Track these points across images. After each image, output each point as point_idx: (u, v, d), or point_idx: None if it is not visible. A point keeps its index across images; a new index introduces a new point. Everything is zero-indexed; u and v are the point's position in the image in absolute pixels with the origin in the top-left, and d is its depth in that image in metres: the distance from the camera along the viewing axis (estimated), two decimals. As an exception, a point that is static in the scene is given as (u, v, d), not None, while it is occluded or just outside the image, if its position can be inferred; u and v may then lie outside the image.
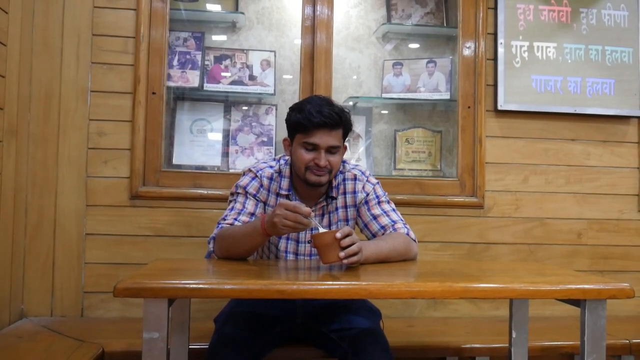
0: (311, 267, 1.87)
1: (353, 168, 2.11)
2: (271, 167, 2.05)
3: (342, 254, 1.62)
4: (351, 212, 2.07)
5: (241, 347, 1.80)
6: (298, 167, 1.94)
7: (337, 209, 2.06)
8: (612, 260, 2.91)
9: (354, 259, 1.66)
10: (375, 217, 2.03)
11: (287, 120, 1.98)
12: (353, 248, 1.65)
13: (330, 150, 1.91)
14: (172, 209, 2.62)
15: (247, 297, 1.42)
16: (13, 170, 2.46)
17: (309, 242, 2.01)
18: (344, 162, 2.10)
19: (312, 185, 1.94)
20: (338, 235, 1.62)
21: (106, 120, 2.61)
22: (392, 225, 2.01)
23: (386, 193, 2.11)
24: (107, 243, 2.58)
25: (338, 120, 1.89)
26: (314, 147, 1.90)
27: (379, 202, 2.06)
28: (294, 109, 1.95)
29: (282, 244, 2.02)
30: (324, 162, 1.89)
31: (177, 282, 1.42)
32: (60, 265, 2.55)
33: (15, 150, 2.47)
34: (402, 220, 2.05)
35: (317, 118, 1.86)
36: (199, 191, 2.64)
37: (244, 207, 1.98)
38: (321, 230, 1.68)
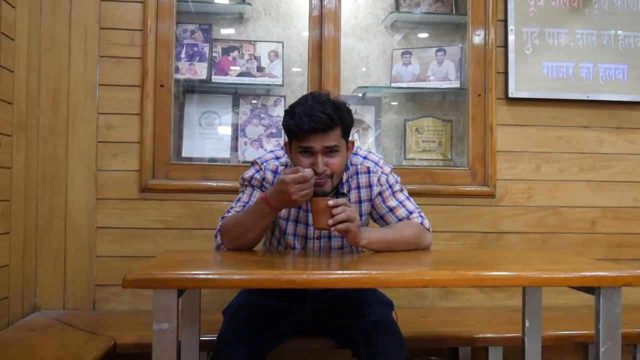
0: (321, 257, 1.86)
1: (365, 159, 2.02)
2: (277, 157, 2.01)
3: (330, 220, 1.70)
4: (365, 207, 2.01)
5: (250, 341, 1.79)
6: None
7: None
8: (627, 249, 2.87)
9: (342, 226, 1.71)
10: (391, 210, 1.99)
11: (282, 125, 1.90)
12: (342, 215, 1.70)
13: (328, 151, 1.82)
14: (182, 201, 2.62)
15: (256, 287, 1.41)
16: (23, 165, 2.47)
17: (317, 239, 1.99)
18: (354, 153, 2.04)
19: (316, 194, 1.86)
20: (330, 203, 1.71)
21: (115, 114, 2.61)
22: (408, 217, 1.98)
23: (399, 179, 2.06)
24: (117, 236, 2.59)
25: (330, 123, 1.78)
26: (310, 152, 1.82)
27: (393, 193, 2.01)
28: (287, 113, 1.85)
29: (290, 240, 2.00)
30: (321, 167, 1.81)
31: (186, 272, 1.42)
32: (72, 258, 2.56)
33: (25, 145, 2.48)
34: (417, 209, 2.01)
35: (306, 124, 1.76)
36: (209, 183, 2.64)
37: (250, 199, 1.96)
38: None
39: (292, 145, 1.88)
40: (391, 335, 1.80)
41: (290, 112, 1.84)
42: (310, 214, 1.93)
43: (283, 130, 1.94)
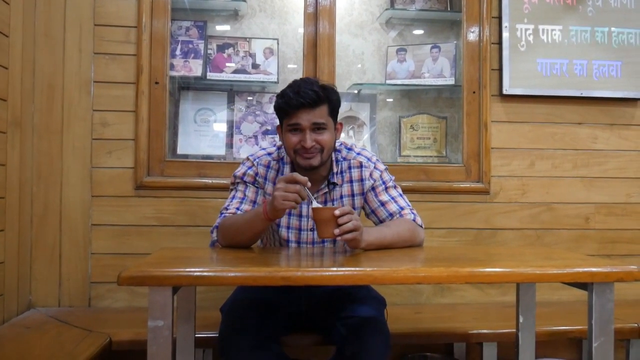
0: (316, 254, 1.86)
1: (358, 154, 2.07)
2: (269, 154, 2.04)
3: (336, 230, 1.66)
4: (358, 201, 2.04)
5: (251, 331, 1.80)
6: (288, 152, 1.94)
7: (341, 197, 2.03)
8: (620, 244, 2.89)
9: (349, 236, 1.68)
10: (383, 204, 2.02)
11: (274, 108, 1.98)
12: (348, 225, 1.67)
13: (316, 128, 1.88)
14: (177, 198, 2.62)
15: (251, 284, 1.42)
16: (18, 161, 2.46)
17: (310, 230, 2.00)
18: (348, 148, 2.08)
19: (305, 169, 1.91)
20: (336, 212, 1.67)
21: (110, 111, 2.61)
22: (400, 212, 1.99)
23: (393, 178, 2.09)
24: (113, 233, 2.59)
25: (316, 99, 1.86)
26: (298, 128, 1.88)
27: (386, 188, 2.04)
28: (278, 95, 1.94)
29: (284, 232, 2.01)
30: (309, 143, 1.86)
31: (181, 269, 1.42)
32: (67, 256, 2.56)
33: (19, 142, 2.47)
34: (409, 205, 2.03)
35: (294, 100, 1.85)
36: (204, 180, 2.64)
37: (245, 195, 1.98)
38: (314, 204, 1.74)
39: (282, 126, 1.94)
40: (378, 334, 1.81)
41: (280, 94, 1.93)
42: (303, 206, 1.98)
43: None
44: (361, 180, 2.03)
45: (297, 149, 1.89)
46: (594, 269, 1.51)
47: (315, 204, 1.75)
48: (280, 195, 1.69)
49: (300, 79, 1.96)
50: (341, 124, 2.02)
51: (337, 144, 2.08)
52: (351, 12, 3.07)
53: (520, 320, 1.94)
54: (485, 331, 2.30)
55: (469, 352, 2.58)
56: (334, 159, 2.03)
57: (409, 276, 1.46)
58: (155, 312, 1.38)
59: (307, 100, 1.85)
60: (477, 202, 2.81)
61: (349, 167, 2.04)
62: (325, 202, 2.02)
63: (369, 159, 2.06)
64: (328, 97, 1.90)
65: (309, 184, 1.72)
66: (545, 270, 1.51)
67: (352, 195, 2.04)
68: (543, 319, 2.23)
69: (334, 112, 1.94)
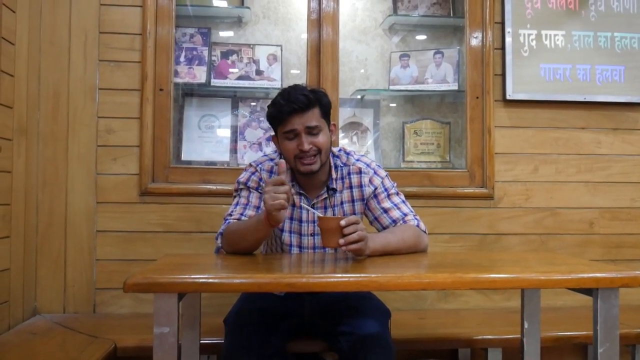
0: (320, 260, 1.87)
1: (358, 160, 2.08)
2: (272, 160, 2.06)
3: (341, 240, 1.66)
4: (358, 207, 2.05)
5: (256, 348, 1.80)
6: (288, 160, 1.96)
7: (342, 203, 2.03)
8: (625, 249, 2.88)
9: (353, 246, 1.68)
10: (385, 211, 2.02)
11: (266, 118, 2.01)
12: (353, 236, 1.67)
13: (310, 131, 1.91)
14: (182, 204, 2.63)
15: (256, 290, 1.42)
16: (23, 168, 2.47)
17: (311, 235, 2.01)
18: (347, 153, 2.09)
19: (306, 174, 1.94)
20: (342, 223, 1.67)
21: (114, 118, 2.62)
22: (403, 218, 2.00)
23: (395, 184, 2.10)
24: (117, 240, 2.60)
25: (307, 102, 1.89)
26: (294, 134, 1.91)
27: (388, 195, 2.04)
28: (269, 105, 1.97)
29: (286, 237, 2.02)
30: (307, 145, 1.89)
31: (187, 276, 1.42)
32: (72, 262, 2.57)
33: (25, 149, 2.49)
34: (412, 211, 2.04)
35: (286, 106, 1.89)
36: (208, 187, 2.65)
37: (248, 201, 1.98)
38: (305, 208, 1.78)
39: (278, 135, 1.97)
40: (381, 353, 1.78)
41: (271, 103, 1.96)
42: (303, 211, 1.99)
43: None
44: (360, 186, 2.04)
45: (297, 154, 1.92)
46: (599, 275, 1.51)
47: (311, 210, 1.75)
48: (270, 197, 1.68)
49: (289, 86, 1.98)
50: (335, 125, 2.05)
51: (336, 150, 2.10)
52: (354, 18, 3.08)
53: (525, 325, 1.94)
54: (489, 337, 2.29)
55: (474, 358, 2.57)
56: (332, 164, 2.04)
57: (414, 282, 1.46)
58: (161, 318, 1.39)
59: (299, 104, 1.88)
60: (481, 208, 2.81)
61: (349, 173, 2.05)
62: (325, 208, 2.03)
63: (368, 165, 2.08)
64: (319, 100, 1.94)
65: (284, 167, 1.75)
66: (550, 276, 1.51)
67: (352, 201, 2.05)
68: (548, 325, 2.22)
69: (326, 114, 1.97)
